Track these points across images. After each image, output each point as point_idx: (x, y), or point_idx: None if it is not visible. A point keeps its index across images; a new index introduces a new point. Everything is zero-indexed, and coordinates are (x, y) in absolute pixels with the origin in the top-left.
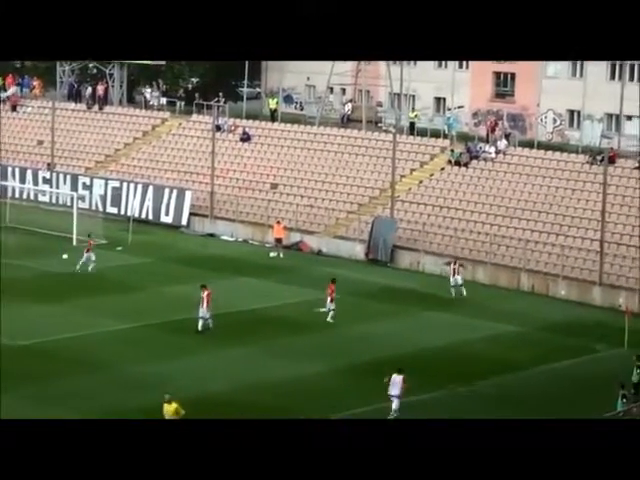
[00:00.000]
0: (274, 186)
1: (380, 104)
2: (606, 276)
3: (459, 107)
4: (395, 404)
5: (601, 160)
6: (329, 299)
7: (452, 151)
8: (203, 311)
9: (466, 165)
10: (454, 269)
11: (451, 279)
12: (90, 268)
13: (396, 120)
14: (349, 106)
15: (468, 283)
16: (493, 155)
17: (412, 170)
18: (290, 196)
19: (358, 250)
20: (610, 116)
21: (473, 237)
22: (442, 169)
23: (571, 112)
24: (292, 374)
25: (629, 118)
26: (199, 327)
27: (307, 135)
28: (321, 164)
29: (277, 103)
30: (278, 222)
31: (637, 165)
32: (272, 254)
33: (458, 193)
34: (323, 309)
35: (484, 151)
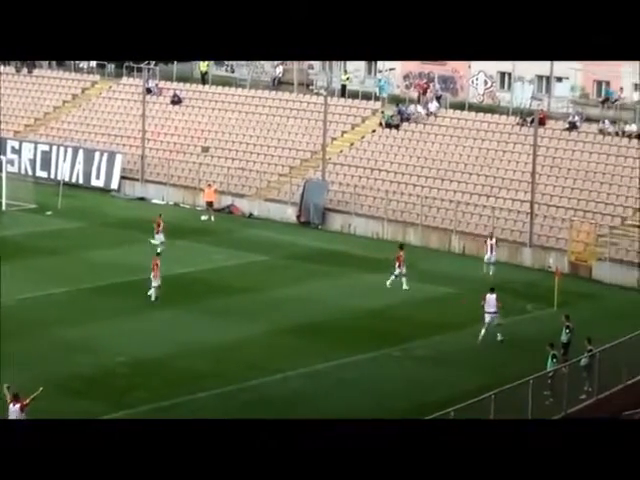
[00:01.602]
0: (205, 149)
1: (311, 67)
2: (536, 237)
3: (390, 69)
4: (491, 318)
5: (531, 122)
6: (397, 264)
7: (383, 113)
8: (155, 280)
9: (397, 127)
10: (491, 245)
11: (486, 256)
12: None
13: (327, 82)
14: (280, 69)
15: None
16: (424, 117)
17: (343, 132)
18: (221, 159)
19: (289, 213)
20: (540, 78)
21: (404, 199)
22: (373, 131)
23: (502, 74)
24: (225, 337)
25: (559, 80)
26: (153, 297)
27: (238, 98)
28: (252, 127)
29: (208, 65)
30: (209, 185)
31: (567, 127)
32: (203, 217)
33: (389, 155)
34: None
35: (415, 113)
